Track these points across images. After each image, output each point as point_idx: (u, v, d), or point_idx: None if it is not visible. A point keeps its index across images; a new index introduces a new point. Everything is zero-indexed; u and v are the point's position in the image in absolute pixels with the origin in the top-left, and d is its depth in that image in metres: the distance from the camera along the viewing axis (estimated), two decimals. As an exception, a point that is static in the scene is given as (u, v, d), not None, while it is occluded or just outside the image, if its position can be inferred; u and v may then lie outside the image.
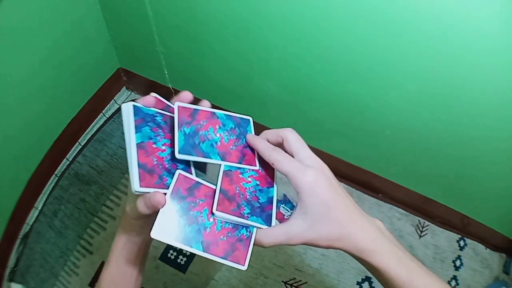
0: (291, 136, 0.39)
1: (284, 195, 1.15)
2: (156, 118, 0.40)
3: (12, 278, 1.05)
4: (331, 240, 0.36)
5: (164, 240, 0.34)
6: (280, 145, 0.39)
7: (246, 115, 0.45)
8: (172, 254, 1.08)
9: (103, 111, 1.32)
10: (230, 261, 0.36)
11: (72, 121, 1.22)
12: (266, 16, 0.81)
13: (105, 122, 1.32)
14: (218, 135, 0.42)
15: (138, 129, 0.37)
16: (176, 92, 1.26)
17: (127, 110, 0.38)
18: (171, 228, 0.35)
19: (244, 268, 0.37)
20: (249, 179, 0.41)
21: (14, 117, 0.99)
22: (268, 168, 0.42)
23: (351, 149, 1.07)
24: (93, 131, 1.31)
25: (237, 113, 0.44)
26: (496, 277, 1.06)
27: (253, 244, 0.38)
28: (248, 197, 0.39)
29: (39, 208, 1.17)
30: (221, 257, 0.36)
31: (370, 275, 1.04)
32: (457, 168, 0.93)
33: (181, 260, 1.07)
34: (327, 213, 0.36)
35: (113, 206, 1.17)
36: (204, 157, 0.39)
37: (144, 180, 0.34)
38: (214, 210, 0.36)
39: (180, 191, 0.37)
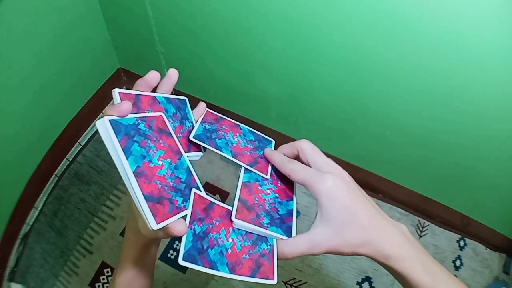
0: (305, 146, 0.39)
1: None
2: (139, 127, 0.36)
3: (12, 278, 1.05)
4: (355, 246, 0.35)
5: (192, 266, 0.33)
6: (297, 158, 0.40)
7: (270, 137, 0.46)
8: (172, 254, 1.08)
9: (103, 111, 1.32)
10: (259, 278, 0.35)
11: (72, 121, 1.22)
12: (266, 16, 0.81)
13: (105, 122, 1.32)
14: (236, 139, 0.42)
15: (127, 152, 0.33)
16: (176, 92, 1.26)
17: (105, 129, 0.33)
18: (196, 253, 0.34)
19: (274, 282, 0.36)
20: (268, 191, 0.40)
21: (15, 117, 0.99)
22: (287, 182, 0.42)
23: (351, 149, 1.07)
24: (93, 131, 1.31)
25: (261, 133, 0.45)
26: (496, 277, 1.06)
27: (277, 256, 0.36)
28: (267, 208, 0.39)
29: (39, 208, 1.17)
30: (249, 276, 0.35)
31: (370, 275, 1.04)
32: (457, 168, 0.93)
33: (181, 260, 1.07)
34: (350, 218, 0.35)
35: (113, 206, 1.17)
36: (216, 149, 0.39)
37: (158, 215, 0.32)
38: (233, 218, 0.36)
39: (198, 213, 0.35)
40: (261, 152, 0.43)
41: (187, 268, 1.23)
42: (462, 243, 1.12)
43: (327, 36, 0.78)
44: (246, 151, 0.42)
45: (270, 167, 0.42)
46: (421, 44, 0.69)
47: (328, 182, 0.35)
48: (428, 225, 1.14)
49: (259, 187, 0.40)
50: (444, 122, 0.82)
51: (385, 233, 0.36)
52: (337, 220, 0.35)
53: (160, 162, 0.35)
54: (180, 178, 0.36)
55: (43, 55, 0.99)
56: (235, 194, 0.38)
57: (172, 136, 0.38)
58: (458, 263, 1.09)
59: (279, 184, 0.42)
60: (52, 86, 1.07)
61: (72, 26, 1.03)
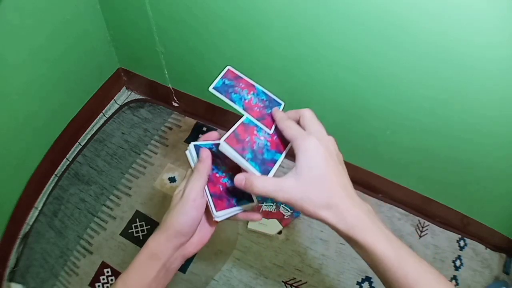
0: (306, 113, 0.44)
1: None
2: (212, 149, 0.47)
3: (12, 278, 1.05)
4: (318, 206, 0.37)
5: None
6: (298, 122, 0.44)
7: (281, 99, 0.52)
8: (172, 254, 1.08)
9: (103, 111, 1.32)
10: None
11: (72, 121, 1.22)
12: (267, 16, 0.82)
13: (105, 122, 1.32)
14: (249, 96, 0.49)
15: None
16: (176, 91, 1.26)
17: (189, 152, 0.47)
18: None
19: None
20: (262, 137, 0.46)
21: (14, 117, 0.99)
22: (282, 140, 0.47)
23: (351, 148, 1.07)
24: (93, 131, 1.31)
25: (273, 94, 0.51)
26: (496, 277, 1.06)
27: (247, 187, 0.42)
28: (255, 147, 0.44)
29: (39, 208, 1.17)
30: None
31: (370, 275, 1.04)
32: (457, 168, 0.93)
33: (181, 260, 1.07)
34: (319, 178, 0.37)
35: (113, 206, 1.17)
36: (230, 100, 0.47)
37: (218, 205, 0.45)
38: (221, 140, 0.42)
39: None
40: (270, 111, 0.49)
41: (187, 268, 1.22)
42: (462, 243, 1.12)
43: (327, 36, 0.78)
44: (256, 108, 0.48)
45: (274, 125, 0.47)
46: (421, 42, 0.69)
47: (310, 142, 0.39)
48: (428, 225, 1.14)
49: (255, 131, 0.46)
50: (445, 123, 0.82)
51: (351, 202, 0.37)
52: (308, 176, 0.37)
53: (224, 174, 0.49)
54: (235, 189, 0.46)
55: (42, 55, 0.99)
56: (233, 126, 0.45)
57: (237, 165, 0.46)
58: (458, 263, 1.09)
59: (274, 138, 0.47)
60: (52, 86, 1.07)
61: (72, 26, 1.03)
